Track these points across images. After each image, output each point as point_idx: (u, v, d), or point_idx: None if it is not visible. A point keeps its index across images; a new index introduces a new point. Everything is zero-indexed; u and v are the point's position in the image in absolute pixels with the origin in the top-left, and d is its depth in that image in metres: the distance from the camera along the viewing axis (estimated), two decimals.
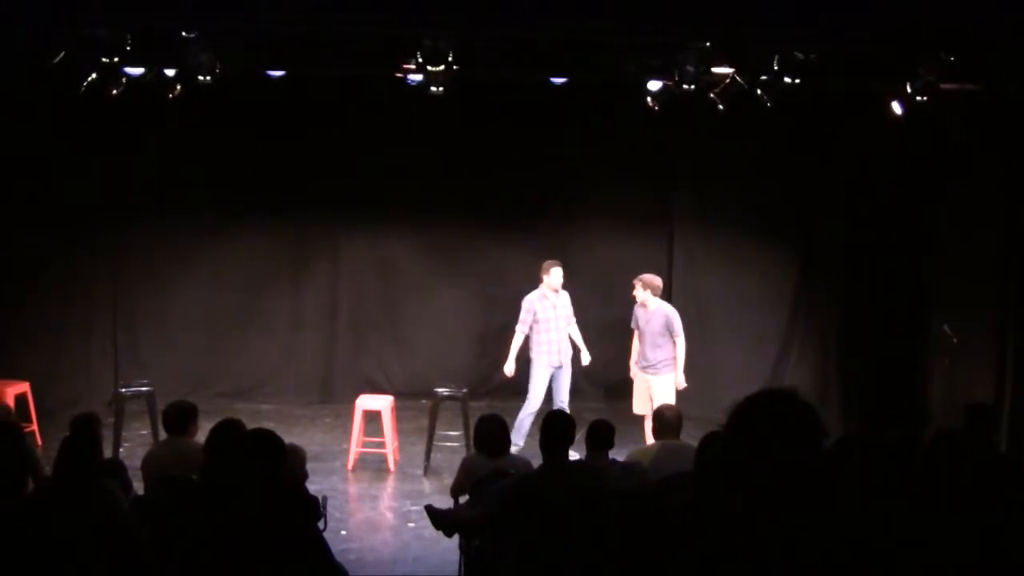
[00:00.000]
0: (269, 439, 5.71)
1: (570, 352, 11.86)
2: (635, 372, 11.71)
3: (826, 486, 2.95)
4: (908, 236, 12.68)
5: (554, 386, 11.71)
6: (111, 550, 5.90)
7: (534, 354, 11.69)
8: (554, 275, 11.75)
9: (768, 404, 2.96)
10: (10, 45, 9.40)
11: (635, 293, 11.62)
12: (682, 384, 11.50)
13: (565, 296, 11.96)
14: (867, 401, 12.79)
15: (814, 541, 2.87)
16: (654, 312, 11.49)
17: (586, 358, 12.05)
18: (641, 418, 11.35)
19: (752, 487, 2.93)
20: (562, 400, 11.70)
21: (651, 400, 11.10)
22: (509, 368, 11.85)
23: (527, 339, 11.71)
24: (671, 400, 11.03)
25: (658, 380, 11.41)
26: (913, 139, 11.94)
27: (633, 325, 11.75)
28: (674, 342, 11.50)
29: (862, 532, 3.13)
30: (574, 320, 12.07)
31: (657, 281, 11.67)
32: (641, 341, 11.62)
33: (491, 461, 7.48)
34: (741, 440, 2.94)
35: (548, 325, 11.68)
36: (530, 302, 11.71)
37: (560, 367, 11.73)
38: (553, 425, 6.62)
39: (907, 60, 9.80)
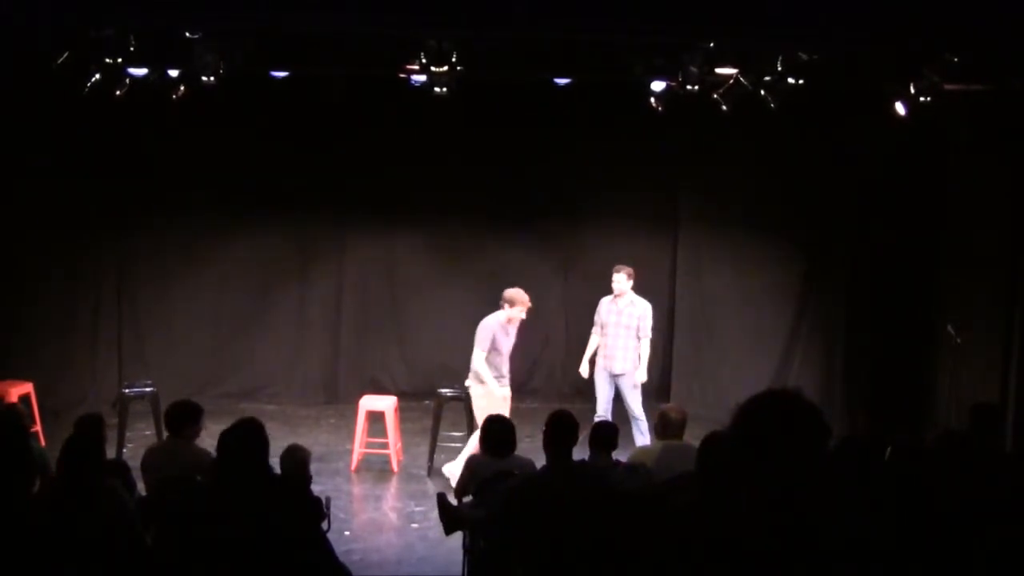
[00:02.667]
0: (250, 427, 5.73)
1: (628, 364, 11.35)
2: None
3: (830, 486, 2.94)
4: (913, 236, 12.67)
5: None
6: (116, 550, 5.91)
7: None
8: (614, 280, 11.43)
9: (773, 404, 2.96)
10: (15, 45, 9.41)
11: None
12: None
13: (629, 303, 11.46)
14: (872, 401, 12.79)
15: (818, 541, 2.87)
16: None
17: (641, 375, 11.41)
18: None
19: (756, 487, 2.93)
20: (633, 414, 11.32)
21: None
22: (584, 369, 11.75)
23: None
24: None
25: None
26: (917, 140, 11.94)
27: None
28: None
29: (866, 532, 3.13)
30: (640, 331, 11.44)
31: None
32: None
33: (496, 461, 7.48)
34: (746, 440, 2.94)
35: (606, 331, 11.46)
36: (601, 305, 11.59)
37: (620, 375, 11.33)
38: (556, 425, 6.62)
39: (911, 61, 9.80)
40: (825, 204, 13.15)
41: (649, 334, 11.36)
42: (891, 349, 12.84)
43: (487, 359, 10.75)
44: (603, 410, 11.26)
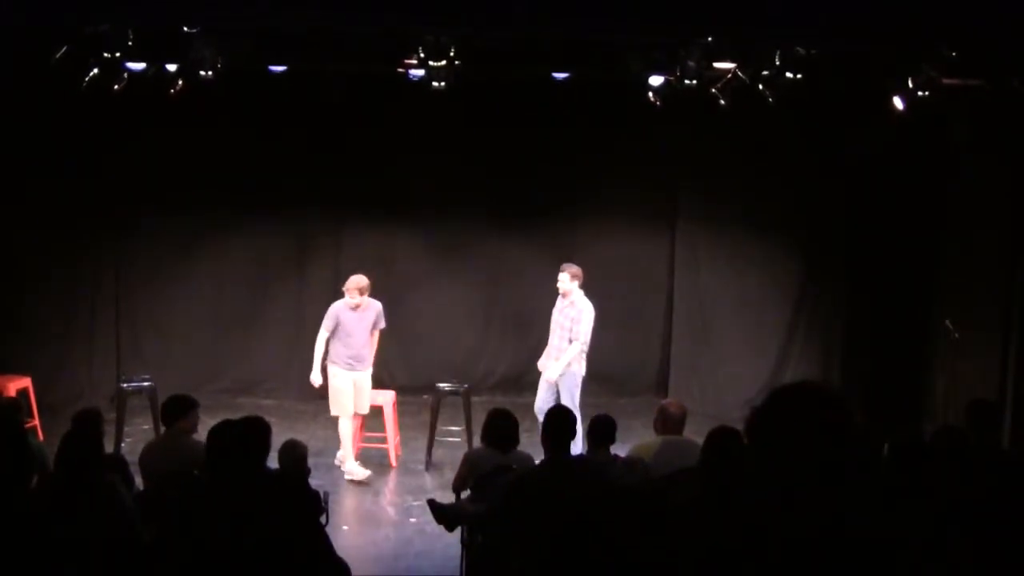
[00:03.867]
0: (256, 425, 5.75)
1: (551, 361, 11.15)
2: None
3: (840, 484, 2.93)
4: (911, 232, 12.68)
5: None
6: (114, 545, 5.91)
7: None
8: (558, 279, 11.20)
9: (802, 397, 2.93)
10: (12, 41, 9.39)
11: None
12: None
13: (569, 304, 11.12)
14: (870, 398, 12.79)
15: (819, 538, 2.87)
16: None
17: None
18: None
19: (768, 483, 2.91)
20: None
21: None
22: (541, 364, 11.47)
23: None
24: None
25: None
26: (917, 136, 11.94)
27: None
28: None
29: (866, 529, 3.13)
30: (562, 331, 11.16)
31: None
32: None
33: (497, 455, 7.49)
34: (768, 433, 2.91)
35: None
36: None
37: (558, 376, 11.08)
38: (554, 421, 6.62)
39: (909, 56, 9.80)
40: (824, 200, 13.15)
41: (581, 338, 10.90)
42: (889, 346, 12.86)
43: (333, 341, 10.93)
44: (538, 408, 10.97)
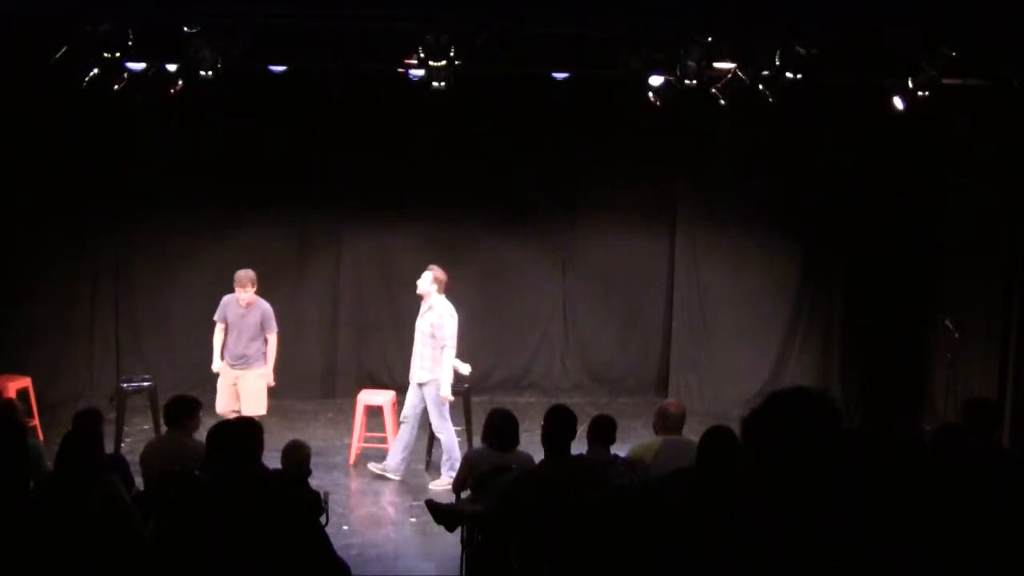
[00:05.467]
0: (250, 425, 5.77)
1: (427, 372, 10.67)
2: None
3: (835, 483, 2.94)
4: (911, 231, 12.69)
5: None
6: (114, 545, 5.91)
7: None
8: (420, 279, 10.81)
9: (791, 401, 2.95)
10: (13, 40, 9.40)
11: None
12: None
13: (428, 308, 10.74)
14: (870, 396, 12.81)
15: (817, 536, 2.88)
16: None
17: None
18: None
19: (761, 482, 2.92)
20: (434, 426, 10.76)
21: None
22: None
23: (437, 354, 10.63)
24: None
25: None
26: (916, 135, 11.95)
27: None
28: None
29: (864, 528, 3.13)
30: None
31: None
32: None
33: (497, 455, 7.49)
34: (759, 435, 2.93)
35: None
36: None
37: (421, 384, 10.69)
38: (554, 420, 6.62)
39: (909, 55, 9.80)
40: (823, 199, 13.17)
41: (448, 344, 10.47)
42: (889, 344, 12.87)
43: (221, 334, 11.01)
44: (404, 415, 10.78)
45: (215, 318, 11.03)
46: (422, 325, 10.65)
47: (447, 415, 10.58)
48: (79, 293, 13.17)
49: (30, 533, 5.77)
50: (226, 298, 11.04)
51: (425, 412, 10.68)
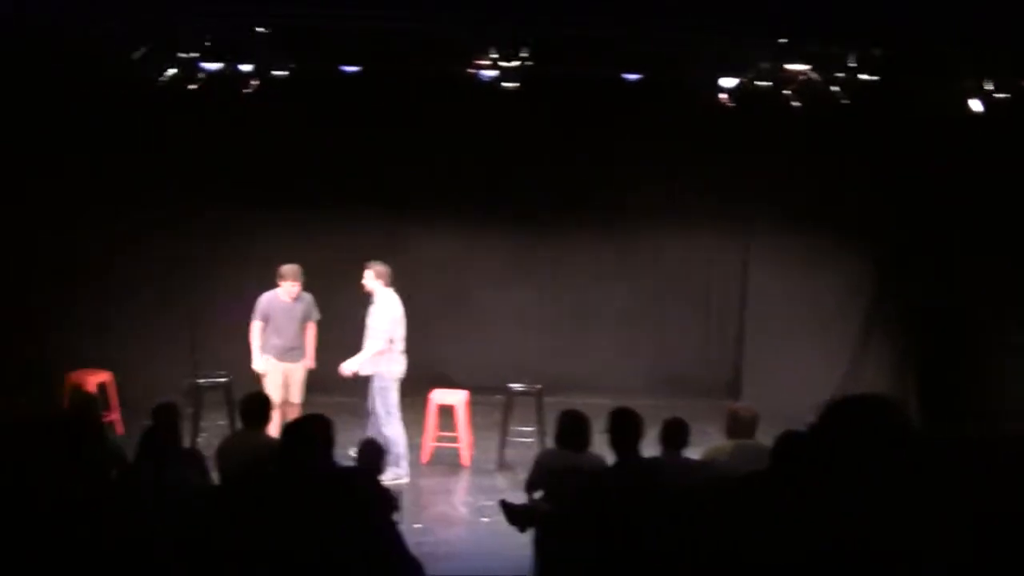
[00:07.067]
0: (321, 421, 5.81)
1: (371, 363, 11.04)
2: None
3: (902, 491, 2.92)
4: (988, 236, 12.50)
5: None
6: (189, 539, 5.99)
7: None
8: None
9: (861, 407, 2.94)
10: (93, 41, 9.57)
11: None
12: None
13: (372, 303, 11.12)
14: (944, 402, 12.63)
15: (887, 543, 2.86)
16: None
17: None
18: None
19: (830, 489, 2.91)
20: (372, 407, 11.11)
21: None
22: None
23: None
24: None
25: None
26: (994, 137, 11.77)
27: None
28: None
29: (934, 536, 3.11)
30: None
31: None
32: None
33: (569, 456, 7.48)
34: (828, 441, 2.92)
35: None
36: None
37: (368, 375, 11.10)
38: (619, 423, 6.61)
39: (987, 57, 9.66)
40: (900, 204, 13.01)
41: (373, 336, 10.91)
42: (964, 349, 12.68)
43: (264, 333, 11.11)
44: (367, 408, 11.07)
45: (256, 318, 11.18)
46: (368, 319, 10.99)
47: (393, 409, 10.93)
48: (159, 289, 13.37)
49: (107, 526, 5.86)
50: (266, 297, 11.24)
51: (400, 402, 11.06)
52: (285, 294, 11.16)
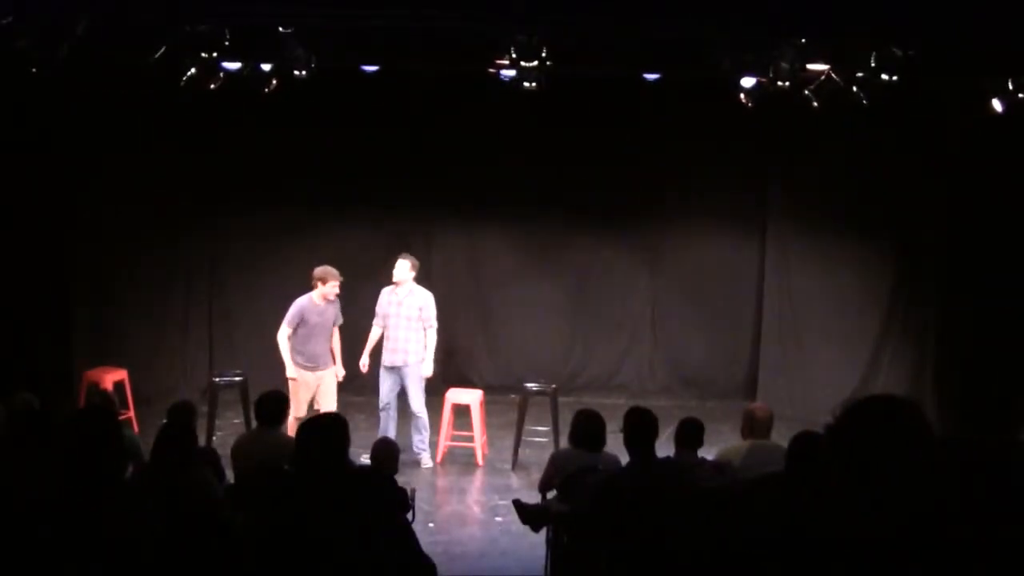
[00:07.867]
0: (336, 420, 5.80)
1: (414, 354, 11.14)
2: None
3: (919, 493, 2.90)
4: (1008, 235, 12.42)
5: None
6: (205, 537, 6.00)
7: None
8: (396, 267, 11.24)
9: (878, 408, 2.92)
10: (112, 40, 9.59)
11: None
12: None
13: (408, 293, 11.25)
14: (965, 403, 12.55)
15: (903, 545, 2.84)
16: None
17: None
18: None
19: (847, 489, 2.90)
20: (412, 409, 11.19)
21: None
22: (363, 363, 11.47)
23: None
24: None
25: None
26: (1015, 136, 11.69)
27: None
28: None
29: (955, 542, 3.08)
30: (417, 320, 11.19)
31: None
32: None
33: (584, 456, 7.47)
34: (844, 441, 2.91)
35: (388, 322, 11.23)
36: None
37: (403, 367, 11.12)
38: (634, 423, 6.60)
39: (1008, 57, 9.60)
40: (918, 203, 12.94)
41: (434, 324, 11.12)
42: (985, 349, 12.60)
43: (294, 337, 10.89)
44: (383, 404, 11.07)
45: (289, 323, 10.88)
46: (406, 311, 11.02)
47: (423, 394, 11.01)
48: (174, 288, 13.45)
49: (123, 523, 5.87)
50: (302, 301, 10.93)
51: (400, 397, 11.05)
52: (320, 297, 10.90)
